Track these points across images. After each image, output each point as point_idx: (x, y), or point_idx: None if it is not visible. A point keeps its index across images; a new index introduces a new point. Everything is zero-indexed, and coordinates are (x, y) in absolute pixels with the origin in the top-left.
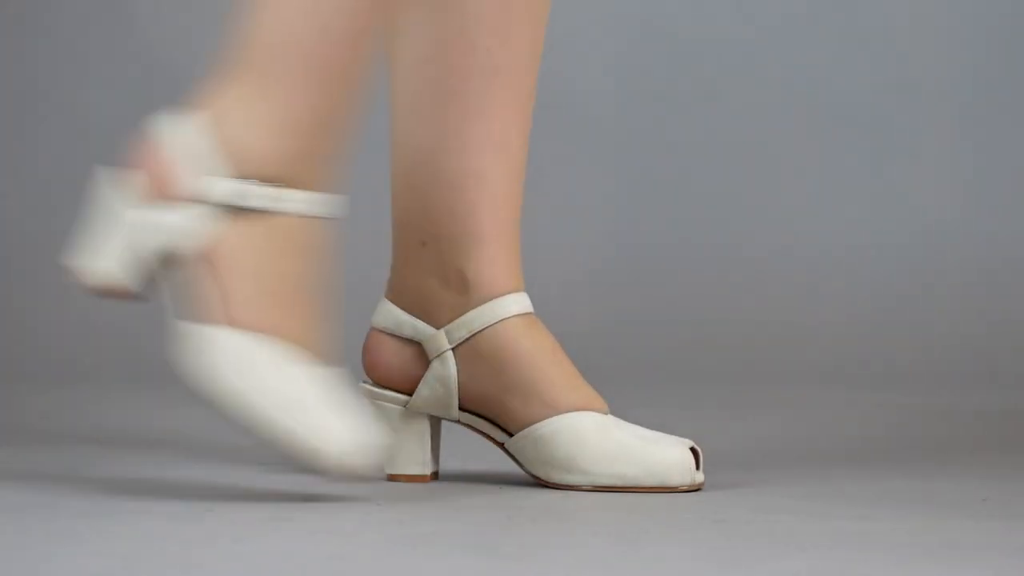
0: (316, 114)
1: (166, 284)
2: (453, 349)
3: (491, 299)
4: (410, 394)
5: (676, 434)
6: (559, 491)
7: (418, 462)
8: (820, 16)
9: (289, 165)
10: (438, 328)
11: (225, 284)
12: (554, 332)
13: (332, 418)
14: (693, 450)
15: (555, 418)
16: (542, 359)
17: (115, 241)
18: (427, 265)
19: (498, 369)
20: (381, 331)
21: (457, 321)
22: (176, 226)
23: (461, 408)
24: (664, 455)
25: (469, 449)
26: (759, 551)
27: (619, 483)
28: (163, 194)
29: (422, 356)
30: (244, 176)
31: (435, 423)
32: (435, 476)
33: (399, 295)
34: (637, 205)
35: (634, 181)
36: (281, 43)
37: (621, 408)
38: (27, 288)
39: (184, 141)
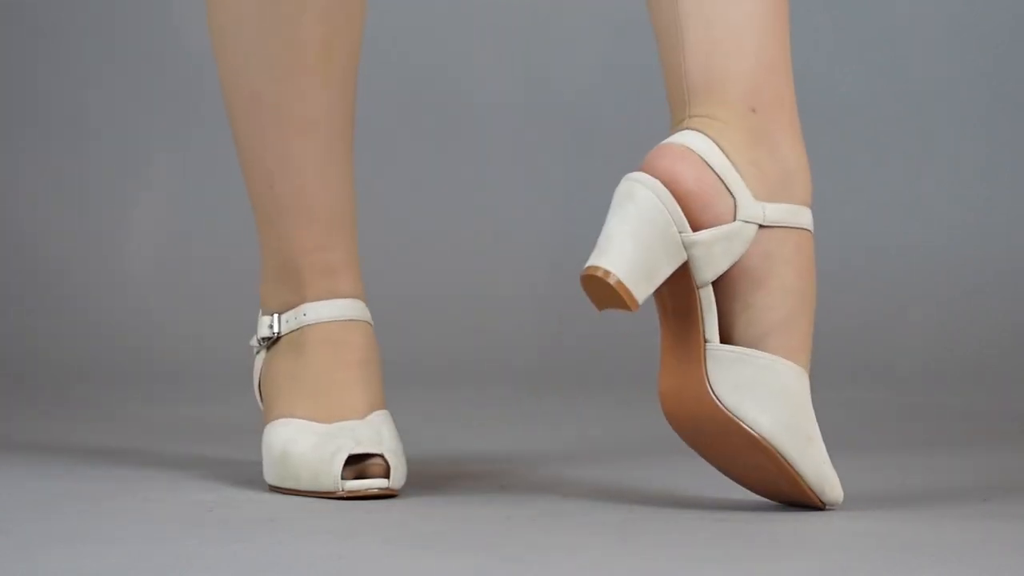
0: None
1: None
2: None
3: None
4: None
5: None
6: (559, 491)
7: None
8: (819, 15)
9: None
10: None
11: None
12: (546, 335)
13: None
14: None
15: None
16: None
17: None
18: None
19: None
20: None
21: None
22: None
23: None
24: None
25: (469, 449)
26: (759, 551)
27: None
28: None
29: None
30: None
31: None
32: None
33: None
34: None
35: None
36: None
37: (622, 409)
38: (27, 288)
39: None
